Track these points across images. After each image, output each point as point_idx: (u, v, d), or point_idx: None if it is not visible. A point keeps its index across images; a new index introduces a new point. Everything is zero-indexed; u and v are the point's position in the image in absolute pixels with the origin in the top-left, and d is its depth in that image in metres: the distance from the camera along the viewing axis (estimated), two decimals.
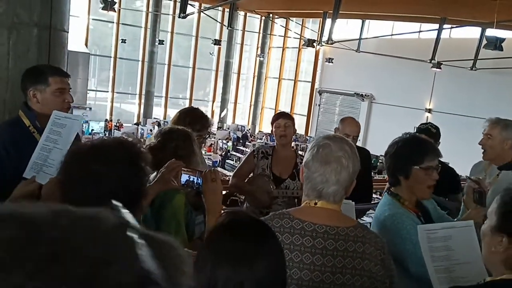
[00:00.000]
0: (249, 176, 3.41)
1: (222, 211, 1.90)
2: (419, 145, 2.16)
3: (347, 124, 3.63)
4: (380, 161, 18.13)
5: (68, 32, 3.27)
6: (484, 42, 11.06)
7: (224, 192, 3.56)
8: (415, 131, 3.46)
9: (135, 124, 19.45)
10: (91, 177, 1.31)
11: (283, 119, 3.41)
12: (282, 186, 3.31)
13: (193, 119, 2.99)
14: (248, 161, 3.46)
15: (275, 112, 22.59)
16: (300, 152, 3.97)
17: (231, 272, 1.10)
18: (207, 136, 3.10)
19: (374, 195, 5.42)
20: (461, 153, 8.34)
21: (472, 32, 14.67)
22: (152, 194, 1.83)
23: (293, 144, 19.26)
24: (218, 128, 21.73)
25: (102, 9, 11.67)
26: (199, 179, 1.91)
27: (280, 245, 1.22)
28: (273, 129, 3.42)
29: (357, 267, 1.55)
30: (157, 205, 2.14)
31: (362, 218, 4.52)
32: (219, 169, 15.08)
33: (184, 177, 1.94)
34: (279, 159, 3.39)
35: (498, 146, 3.03)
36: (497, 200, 1.36)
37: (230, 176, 3.86)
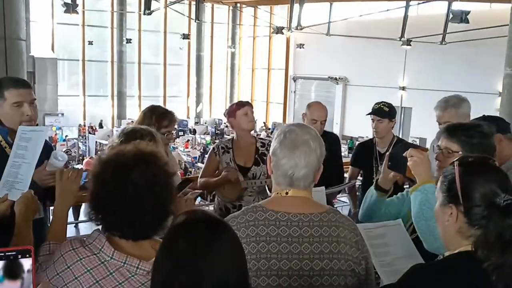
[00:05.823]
0: (216, 173, 3.39)
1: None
2: None
3: (314, 109, 3.62)
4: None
5: (25, 40, 3.16)
6: (451, 16, 11.20)
7: None
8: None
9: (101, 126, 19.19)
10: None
11: (249, 107, 3.36)
12: (249, 175, 3.31)
13: (159, 116, 3.00)
14: (211, 160, 3.44)
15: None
16: (261, 136, 3.91)
17: (187, 272, 1.09)
18: (175, 131, 3.08)
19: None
20: (436, 128, 8.41)
21: (439, 8, 14.81)
22: None
23: (267, 133, 19.05)
24: (196, 123, 21.55)
25: (64, 12, 11.40)
26: None
27: (238, 240, 1.20)
28: (237, 118, 3.31)
29: (333, 251, 1.58)
30: None
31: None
32: (199, 164, 14.89)
33: None
34: (241, 149, 3.37)
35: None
36: (440, 178, 1.43)
37: None
